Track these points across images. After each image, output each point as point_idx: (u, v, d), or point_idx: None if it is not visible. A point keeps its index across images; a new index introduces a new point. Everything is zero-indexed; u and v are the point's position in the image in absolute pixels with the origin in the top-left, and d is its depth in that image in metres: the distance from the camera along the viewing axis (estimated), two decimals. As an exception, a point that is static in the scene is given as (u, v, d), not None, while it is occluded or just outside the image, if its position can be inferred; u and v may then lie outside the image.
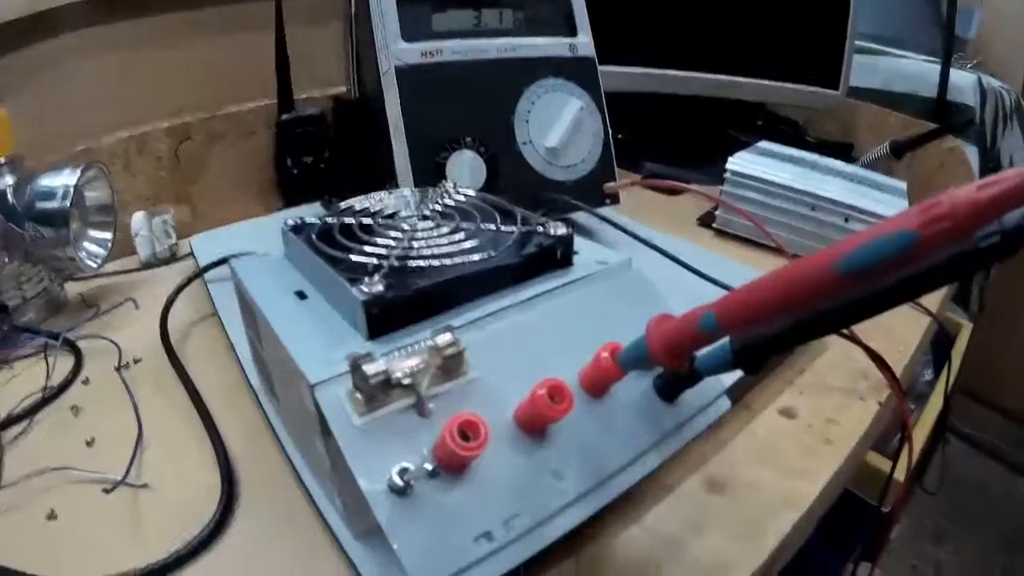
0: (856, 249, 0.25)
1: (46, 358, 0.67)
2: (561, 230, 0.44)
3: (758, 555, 0.47)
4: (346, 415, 0.33)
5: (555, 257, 0.44)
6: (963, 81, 1.32)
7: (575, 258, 0.45)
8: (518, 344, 0.39)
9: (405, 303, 0.37)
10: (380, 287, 0.36)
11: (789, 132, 1.34)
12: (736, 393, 0.59)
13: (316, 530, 0.48)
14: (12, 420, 0.60)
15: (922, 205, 0.23)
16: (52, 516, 0.50)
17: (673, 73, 1.20)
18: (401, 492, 0.31)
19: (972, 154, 1.26)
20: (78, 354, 0.68)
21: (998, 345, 1.96)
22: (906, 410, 0.65)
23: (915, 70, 1.36)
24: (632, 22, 1.19)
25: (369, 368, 0.32)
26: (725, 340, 0.33)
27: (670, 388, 0.39)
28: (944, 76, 1.30)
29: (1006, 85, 1.57)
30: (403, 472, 0.31)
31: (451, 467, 0.32)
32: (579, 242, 0.47)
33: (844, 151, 1.29)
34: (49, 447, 0.57)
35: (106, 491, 0.52)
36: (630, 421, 0.38)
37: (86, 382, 0.65)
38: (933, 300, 0.81)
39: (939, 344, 1.23)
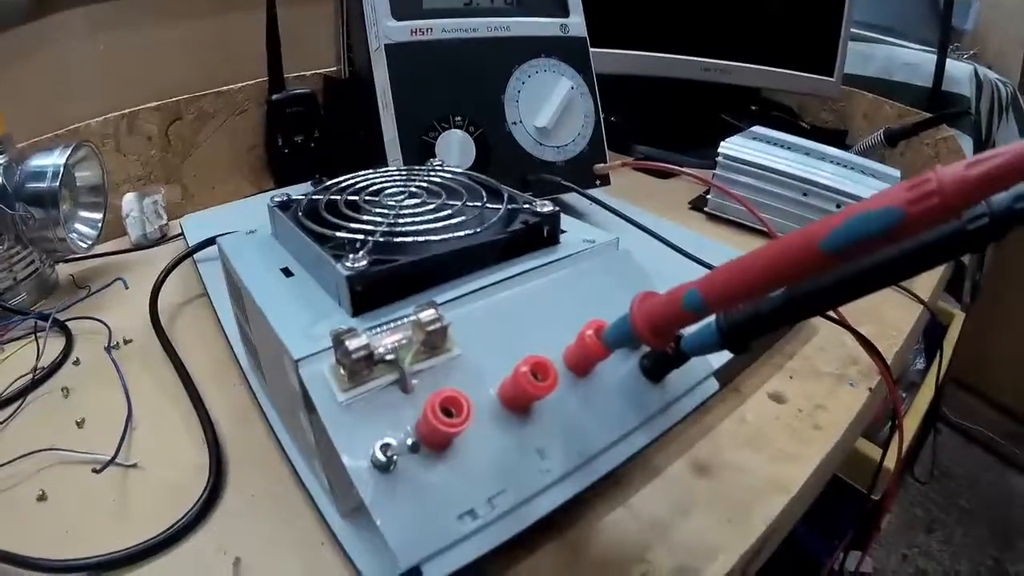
0: (841, 225, 0.25)
1: (36, 339, 0.66)
2: (548, 208, 0.44)
3: (746, 539, 0.47)
4: (330, 391, 0.33)
5: (542, 235, 0.44)
6: (959, 72, 1.31)
7: (562, 236, 0.45)
8: (503, 321, 0.38)
9: (389, 279, 0.37)
10: (364, 263, 0.36)
11: (783, 118, 1.33)
12: (725, 376, 0.59)
13: (304, 510, 0.48)
14: (2, 403, 0.60)
15: (910, 182, 0.23)
16: (42, 498, 0.50)
17: (667, 56, 1.19)
18: (384, 468, 0.31)
19: (967, 144, 1.25)
20: (68, 335, 0.68)
21: (991, 338, 1.97)
22: (897, 397, 0.65)
23: (911, 59, 1.35)
24: (626, 4, 1.19)
25: (352, 343, 0.31)
26: (711, 320, 0.33)
27: (656, 368, 0.39)
28: (940, 66, 1.30)
29: (1002, 78, 1.58)
30: (386, 448, 0.31)
31: (434, 444, 0.32)
32: (567, 221, 0.46)
33: (838, 138, 1.29)
34: (39, 429, 0.57)
35: (96, 471, 0.52)
36: (615, 401, 0.38)
37: (76, 363, 0.65)
38: (925, 288, 0.81)
39: (931, 334, 1.23)
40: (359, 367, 0.32)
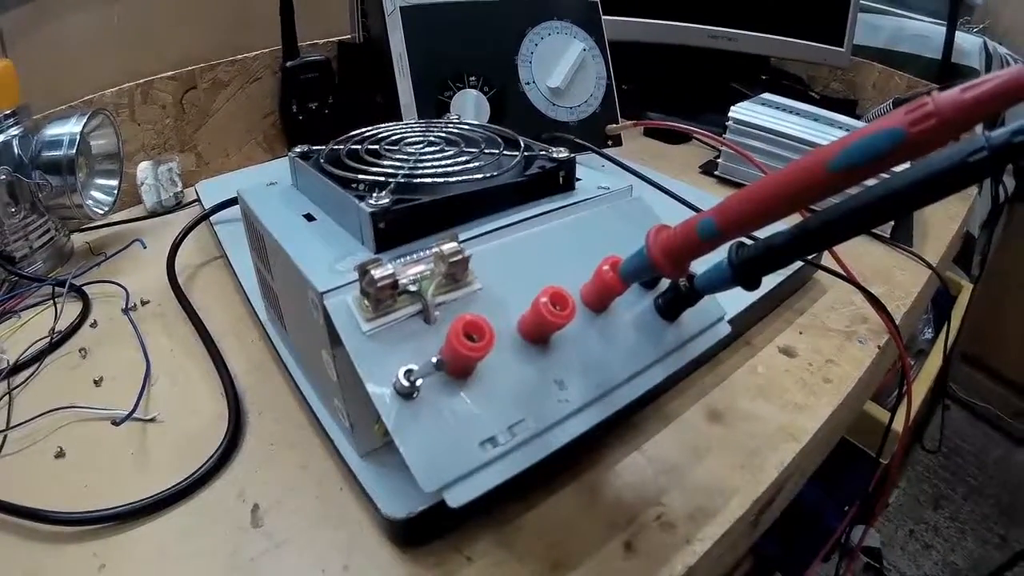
0: (848, 146, 0.26)
1: (54, 304, 0.67)
2: (564, 154, 0.44)
3: (759, 484, 0.48)
4: (354, 321, 0.33)
5: (558, 180, 0.44)
6: (968, 44, 1.32)
7: (578, 184, 0.46)
8: (521, 258, 0.39)
9: (411, 216, 0.38)
10: (387, 201, 0.37)
11: (793, 87, 1.34)
12: (737, 330, 0.61)
13: (322, 456, 0.49)
14: (20, 366, 0.60)
15: (910, 105, 0.24)
16: (60, 454, 0.51)
17: (677, 24, 1.20)
18: (407, 395, 0.32)
19: None
20: (85, 299, 0.69)
21: (1001, 316, 1.97)
22: (905, 354, 0.66)
23: (920, 31, 1.35)
24: None
25: (377, 272, 0.32)
26: (723, 259, 0.34)
27: (671, 306, 0.40)
28: (950, 38, 1.30)
29: (1012, 54, 1.57)
30: (409, 374, 0.32)
31: (457, 369, 0.33)
32: (582, 170, 0.47)
33: (848, 108, 1.29)
34: (57, 389, 0.58)
35: (114, 423, 0.53)
36: (631, 337, 0.39)
37: (94, 325, 0.66)
38: (933, 254, 0.82)
39: (940, 304, 1.24)
40: (384, 295, 0.33)
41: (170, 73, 0.91)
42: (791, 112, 0.92)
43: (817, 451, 0.58)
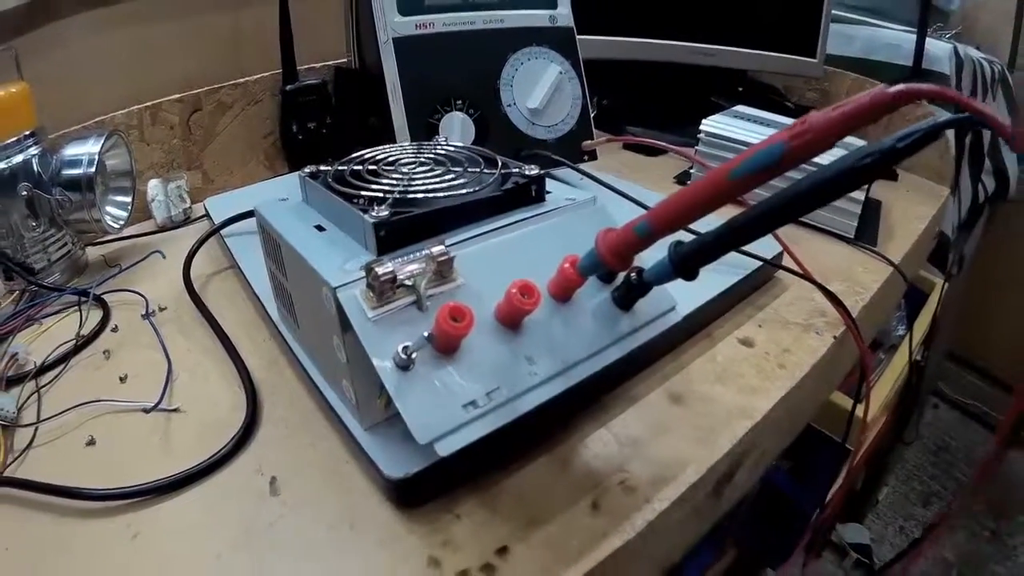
0: (744, 160, 0.34)
1: (80, 310, 0.74)
2: (535, 171, 0.53)
3: (713, 455, 0.56)
4: (361, 310, 0.42)
5: (530, 193, 0.53)
6: (939, 50, 1.38)
7: (548, 196, 0.54)
8: (498, 258, 0.48)
9: (406, 225, 0.46)
10: (386, 213, 0.45)
11: (770, 98, 1.41)
12: (698, 323, 0.70)
13: (330, 435, 0.57)
14: (47, 367, 0.67)
15: (791, 124, 0.33)
16: (91, 443, 0.57)
17: (653, 42, 1.28)
18: (405, 367, 0.41)
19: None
20: (105, 307, 0.76)
21: (988, 316, 2.04)
22: (861, 343, 0.74)
23: (892, 39, 1.43)
24: None
25: (380, 269, 0.41)
26: (666, 256, 0.43)
27: (625, 297, 0.48)
28: (920, 45, 1.37)
29: (989, 56, 1.62)
30: (405, 349, 0.40)
31: (444, 345, 0.42)
32: (551, 184, 0.56)
33: None
34: (84, 386, 0.64)
35: (145, 411, 0.60)
36: (591, 323, 0.47)
37: (115, 330, 0.73)
38: (896, 253, 0.90)
39: (914, 301, 1.32)
40: (385, 288, 0.41)
41: (177, 96, 0.99)
42: (761, 123, 1.01)
43: (773, 430, 0.66)
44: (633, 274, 0.47)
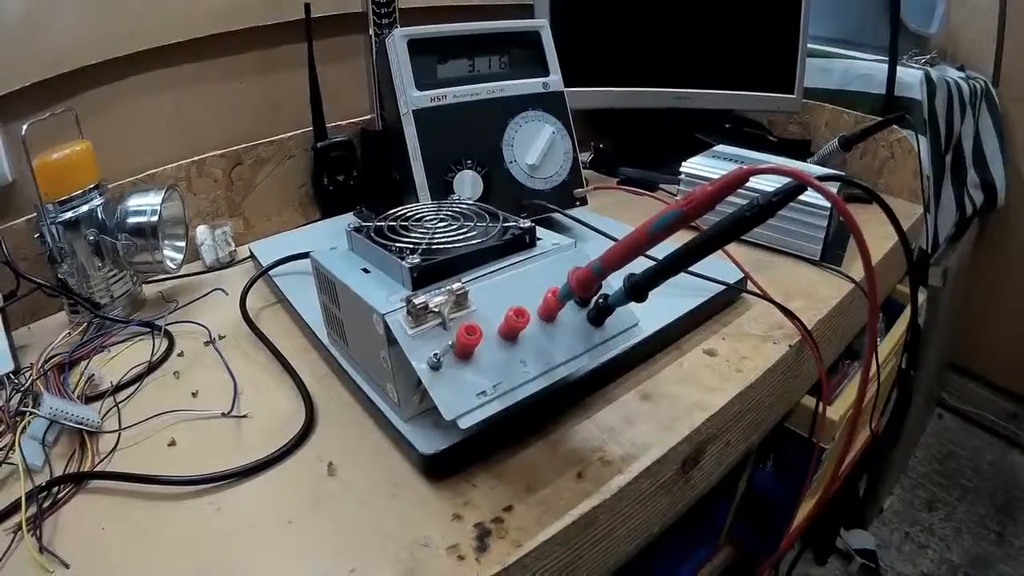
0: (656, 220, 0.52)
1: (153, 337, 0.89)
2: (527, 224, 0.73)
3: (674, 438, 0.71)
4: (404, 329, 0.61)
5: (524, 241, 0.72)
6: (910, 77, 1.51)
7: (538, 242, 0.74)
8: (500, 291, 0.67)
9: (433, 268, 0.66)
10: (417, 260, 0.65)
11: (753, 133, 1.56)
12: (669, 337, 0.87)
13: (374, 431, 0.73)
14: (123, 385, 0.79)
15: (685, 195, 0.51)
16: (172, 444, 0.70)
17: (639, 90, 1.46)
18: (435, 368, 0.60)
19: (922, 142, 1.45)
20: (169, 336, 0.90)
21: (985, 325, 2.16)
22: (815, 348, 0.89)
23: (866, 70, 1.56)
24: (601, 48, 1.45)
25: (417, 300, 0.61)
26: (621, 286, 0.61)
27: (596, 317, 0.67)
28: (891, 75, 1.51)
29: (973, 73, 1.76)
30: (435, 355, 0.60)
31: (461, 353, 0.61)
32: (541, 231, 0.75)
33: (803, 148, 1.51)
34: (159, 400, 0.76)
35: (224, 415, 0.74)
36: (570, 336, 0.66)
37: (181, 355, 0.87)
38: (860, 271, 1.03)
39: (891, 314, 1.45)
40: (420, 313, 0.61)
41: (219, 152, 1.16)
42: (739, 162, 1.15)
43: (733, 423, 0.79)
44: (600, 299, 0.66)
